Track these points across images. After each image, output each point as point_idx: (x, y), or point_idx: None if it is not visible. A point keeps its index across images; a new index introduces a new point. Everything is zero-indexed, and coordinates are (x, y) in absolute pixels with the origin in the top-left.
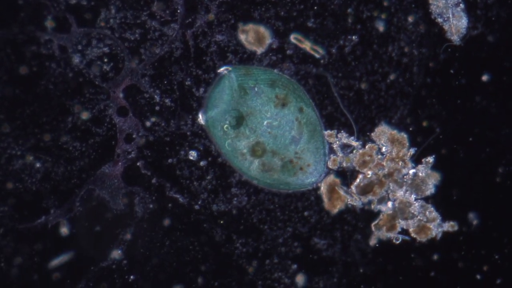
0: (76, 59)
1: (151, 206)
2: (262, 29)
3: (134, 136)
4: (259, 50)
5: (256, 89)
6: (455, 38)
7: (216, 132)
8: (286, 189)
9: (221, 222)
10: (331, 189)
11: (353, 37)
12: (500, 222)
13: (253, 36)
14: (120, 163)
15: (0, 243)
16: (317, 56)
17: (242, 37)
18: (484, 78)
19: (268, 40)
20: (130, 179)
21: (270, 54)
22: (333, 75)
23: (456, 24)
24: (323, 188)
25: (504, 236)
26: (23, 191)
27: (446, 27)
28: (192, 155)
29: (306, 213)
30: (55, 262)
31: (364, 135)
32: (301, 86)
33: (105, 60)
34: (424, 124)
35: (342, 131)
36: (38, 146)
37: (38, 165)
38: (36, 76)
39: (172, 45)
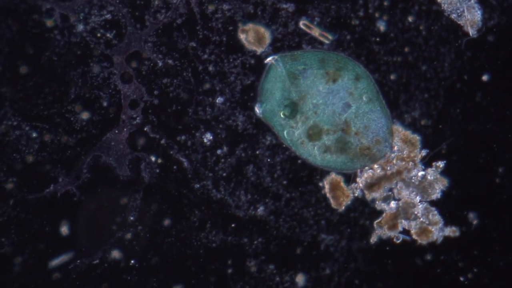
0: (79, 28)
1: (157, 171)
2: (262, 29)
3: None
4: (259, 50)
5: (305, 70)
6: (472, 32)
7: (274, 123)
8: (360, 166)
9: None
10: (334, 187)
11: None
12: (502, 224)
13: (253, 36)
14: (125, 129)
15: (11, 214)
16: (326, 42)
17: (242, 36)
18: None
19: (268, 40)
20: (135, 145)
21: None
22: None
23: (471, 17)
24: (326, 187)
25: (505, 237)
26: (30, 161)
27: (461, 22)
28: (207, 137)
29: (311, 210)
30: (55, 262)
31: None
32: (352, 59)
33: (108, 27)
34: (439, 126)
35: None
36: (43, 115)
37: (42, 134)
38: (38, 45)
39: (177, 12)
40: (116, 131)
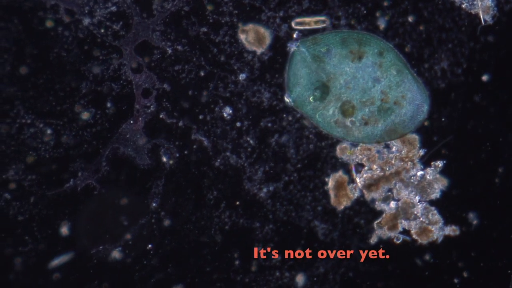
0: (85, 22)
1: (177, 155)
2: (262, 29)
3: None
4: (259, 50)
5: (329, 51)
6: (487, 18)
7: (305, 109)
8: (402, 133)
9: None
10: (338, 186)
11: None
12: (502, 224)
13: (253, 36)
14: (140, 118)
15: (32, 211)
16: (324, 25)
17: (242, 37)
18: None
19: (268, 40)
20: (152, 133)
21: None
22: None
23: (484, 3)
24: (330, 184)
25: (505, 238)
26: (48, 158)
27: (474, 11)
28: (227, 111)
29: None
30: (55, 262)
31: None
32: (373, 34)
33: (114, 19)
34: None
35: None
36: (56, 112)
37: (57, 130)
38: (46, 43)
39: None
40: (131, 122)
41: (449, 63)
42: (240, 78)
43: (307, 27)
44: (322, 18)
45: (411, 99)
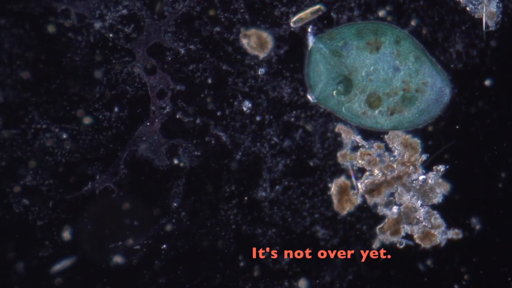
0: (96, 25)
1: (195, 153)
2: (264, 34)
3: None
4: (262, 55)
5: (346, 44)
6: (491, 24)
7: (330, 104)
8: (429, 118)
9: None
10: (341, 191)
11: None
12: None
13: (255, 41)
14: (156, 120)
15: (51, 216)
16: (321, 13)
17: (244, 41)
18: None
19: (271, 45)
20: (169, 133)
21: None
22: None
23: (490, 9)
24: (333, 189)
25: (507, 243)
26: (65, 162)
27: (478, 14)
28: (246, 105)
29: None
30: (58, 267)
31: (379, 137)
32: (388, 23)
33: (125, 22)
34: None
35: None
36: (70, 116)
37: (73, 135)
38: (58, 47)
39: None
40: (148, 123)
41: (464, 45)
42: (259, 72)
43: (306, 20)
44: (316, 7)
45: (433, 84)
